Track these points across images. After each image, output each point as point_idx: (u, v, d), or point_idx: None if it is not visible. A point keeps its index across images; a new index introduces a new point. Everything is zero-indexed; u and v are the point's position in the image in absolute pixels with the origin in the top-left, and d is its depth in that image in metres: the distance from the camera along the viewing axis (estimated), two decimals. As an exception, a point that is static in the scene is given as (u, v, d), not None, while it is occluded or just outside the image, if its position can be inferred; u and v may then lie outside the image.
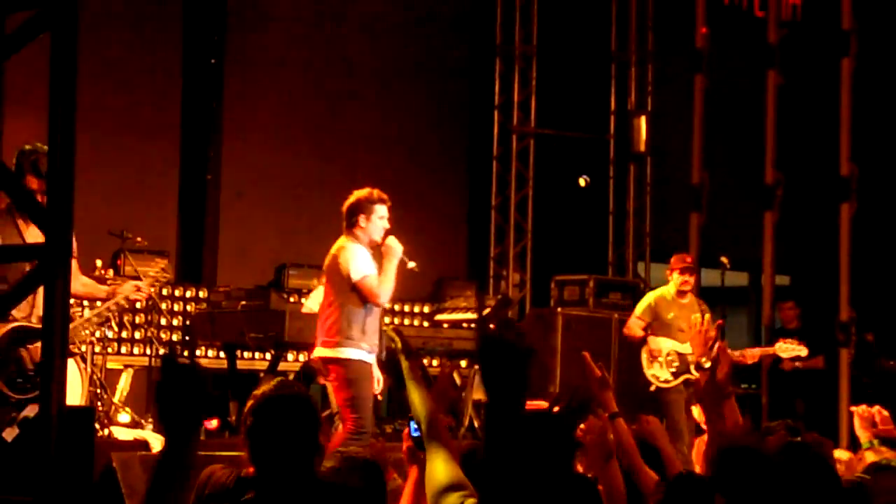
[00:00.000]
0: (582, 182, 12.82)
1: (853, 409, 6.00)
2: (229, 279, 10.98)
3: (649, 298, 10.07)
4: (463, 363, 10.80)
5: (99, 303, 7.59)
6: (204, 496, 3.65)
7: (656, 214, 13.51)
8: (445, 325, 10.95)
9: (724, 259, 10.67)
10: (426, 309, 11.63)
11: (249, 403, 3.72)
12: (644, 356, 9.95)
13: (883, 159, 13.14)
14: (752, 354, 10.03)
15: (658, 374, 9.84)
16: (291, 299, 10.59)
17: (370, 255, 7.65)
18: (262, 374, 9.46)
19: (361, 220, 7.64)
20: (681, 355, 9.73)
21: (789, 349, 10.05)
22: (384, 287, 7.59)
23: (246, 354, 10.34)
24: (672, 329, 9.84)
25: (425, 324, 11.33)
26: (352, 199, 7.70)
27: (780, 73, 12.33)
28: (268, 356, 9.78)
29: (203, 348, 10.48)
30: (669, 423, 9.12)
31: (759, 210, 12.60)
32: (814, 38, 12.91)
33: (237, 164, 12.08)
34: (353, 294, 7.57)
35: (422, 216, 13.16)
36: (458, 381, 10.73)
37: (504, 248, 13.30)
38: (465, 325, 11.01)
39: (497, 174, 13.33)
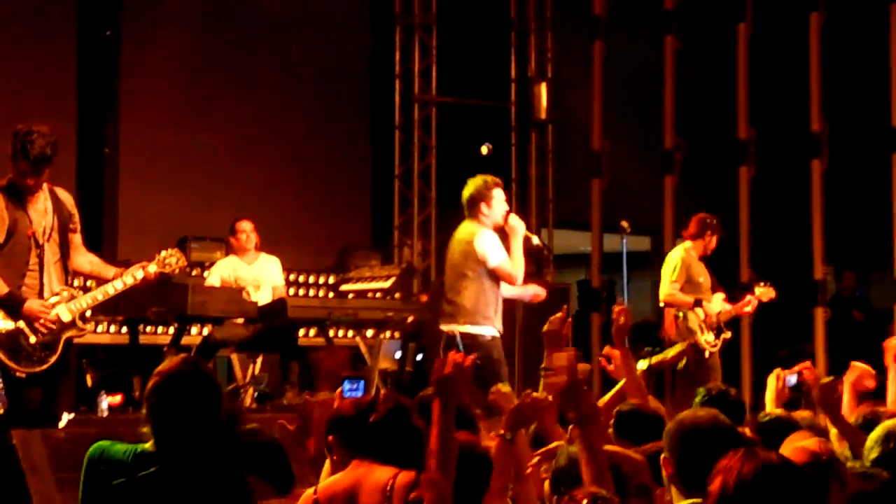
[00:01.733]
0: (484, 150, 12.83)
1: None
2: (130, 253, 10.85)
3: (678, 261, 10.10)
4: (369, 333, 10.80)
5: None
6: (99, 471, 3.62)
7: (559, 181, 13.58)
8: (351, 296, 10.94)
9: (624, 223, 10.76)
10: (331, 279, 11.60)
11: (152, 381, 3.70)
12: (695, 323, 9.99)
13: (780, 122, 13.33)
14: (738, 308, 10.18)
15: (709, 339, 9.96)
16: (194, 272, 10.50)
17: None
18: (165, 349, 9.38)
19: (483, 207, 8.15)
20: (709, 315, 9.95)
21: (766, 293, 10.23)
22: (518, 268, 8.17)
23: (148, 329, 10.26)
24: (702, 288, 9.94)
25: (330, 294, 11.31)
26: (469, 189, 8.25)
27: (677, 39, 12.45)
28: (171, 330, 9.70)
29: (105, 323, 10.36)
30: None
31: (659, 175, 12.73)
32: (711, 3, 13.00)
33: (135, 137, 11.92)
34: (489, 277, 8.09)
35: (325, 187, 13.14)
36: (364, 349, 10.76)
37: (408, 217, 13.31)
38: (370, 294, 11.01)
39: (400, 143, 13.32)
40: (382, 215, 13.41)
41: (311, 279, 11.61)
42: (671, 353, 9.35)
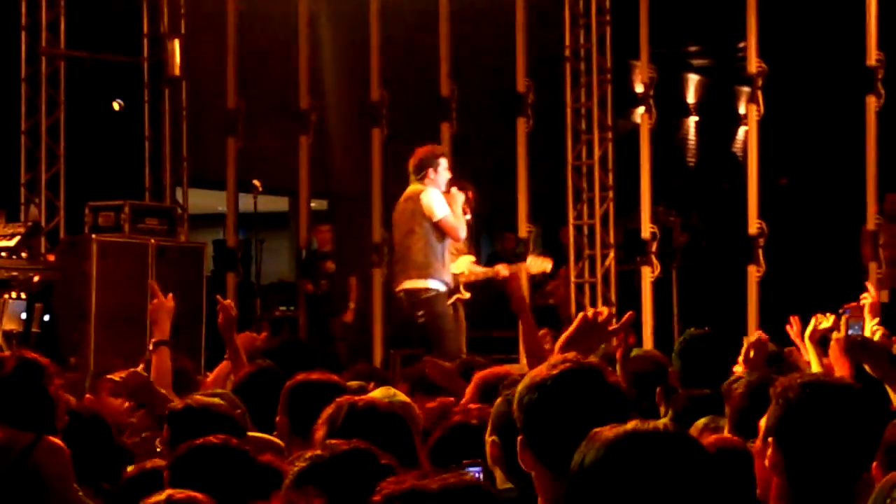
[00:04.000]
0: (116, 106, 12.55)
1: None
2: None
3: None
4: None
5: None
6: None
7: (193, 140, 13.42)
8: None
9: (256, 183, 10.79)
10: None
11: None
12: None
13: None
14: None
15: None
16: None
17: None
18: None
19: (430, 172, 9.06)
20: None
21: (538, 264, 10.32)
22: (461, 223, 9.06)
23: None
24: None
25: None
26: (418, 155, 9.13)
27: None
28: None
29: None
30: None
31: (295, 134, 12.81)
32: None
33: None
34: (435, 231, 8.92)
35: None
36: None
37: (36, 174, 12.82)
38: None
39: (26, 97, 12.80)
40: (8, 172, 12.87)
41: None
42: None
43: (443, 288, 9.09)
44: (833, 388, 3.07)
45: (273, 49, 13.49)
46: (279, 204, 15.59)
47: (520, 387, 2.93)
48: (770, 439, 3.02)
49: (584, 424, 2.44)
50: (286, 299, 13.69)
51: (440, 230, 9.04)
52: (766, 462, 3.00)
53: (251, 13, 12.88)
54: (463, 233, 9.16)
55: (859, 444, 3.01)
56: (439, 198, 9.03)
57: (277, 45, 13.52)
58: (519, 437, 2.89)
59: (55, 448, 3.88)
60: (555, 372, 2.90)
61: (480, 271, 10.33)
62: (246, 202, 12.66)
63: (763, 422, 3.08)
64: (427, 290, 9.04)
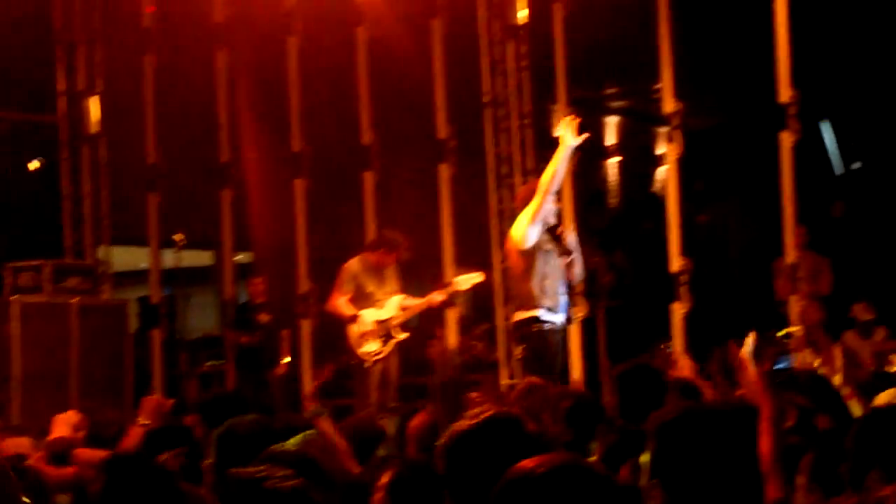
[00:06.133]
0: (33, 166, 12.43)
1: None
2: None
3: (342, 271, 10.29)
4: None
5: None
6: None
7: (114, 196, 13.31)
8: None
9: (177, 237, 10.72)
10: None
11: None
12: (353, 337, 10.14)
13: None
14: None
15: (369, 349, 10.03)
16: None
17: None
18: None
19: None
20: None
21: (468, 279, 10.33)
22: None
23: None
24: (373, 298, 10.10)
25: None
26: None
27: (228, 53, 12.57)
28: None
29: None
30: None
31: (216, 188, 12.76)
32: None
33: None
34: None
35: None
36: None
37: (-47, 235, 12.67)
38: None
39: (-58, 160, 12.66)
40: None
41: None
42: None
43: None
44: (696, 414, 3.03)
45: (192, 103, 13.44)
46: (203, 258, 15.48)
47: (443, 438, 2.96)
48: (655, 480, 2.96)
49: (500, 470, 2.47)
50: (214, 353, 13.57)
51: None
52: None
53: (169, 68, 12.83)
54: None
55: (732, 467, 2.94)
56: None
57: (197, 100, 13.46)
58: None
59: None
60: (474, 421, 2.94)
61: (416, 304, 10.39)
62: (170, 258, 12.57)
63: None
64: None
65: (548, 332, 8.35)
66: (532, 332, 8.30)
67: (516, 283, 8.63)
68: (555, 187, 8.23)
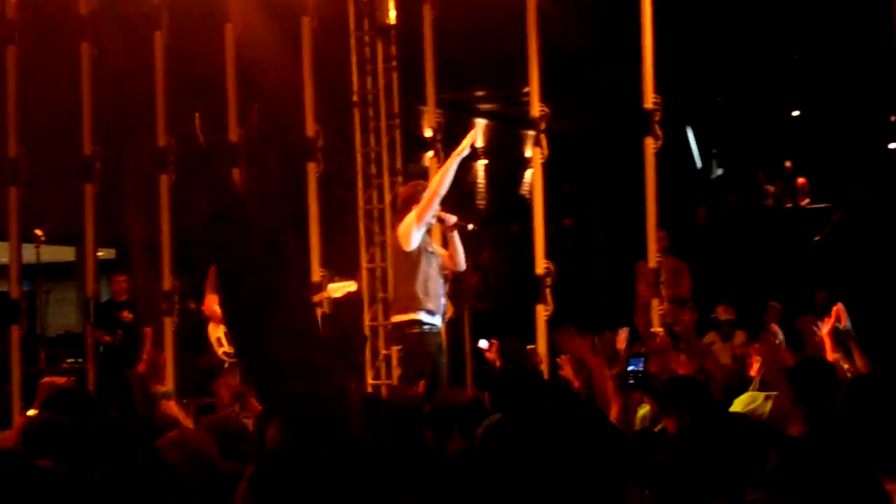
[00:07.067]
0: None
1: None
2: None
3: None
4: None
5: None
6: None
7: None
8: None
9: (38, 232, 10.53)
10: None
11: None
12: (213, 337, 10.04)
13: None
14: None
15: (228, 350, 9.83)
16: None
17: None
18: None
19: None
20: None
21: (341, 288, 10.21)
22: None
23: None
24: None
25: None
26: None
27: (93, 46, 12.38)
28: None
29: None
30: None
31: (79, 182, 12.54)
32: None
33: None
34: None
35: None
36: None
37: None
38: None
39: None
40: None
41: None
42: None
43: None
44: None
45: (55, 96, 13.18)
46: (65, 254, 15.23)
47: None
48: None
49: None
50: (74, 351, 13.36)
51: None
52: None
53: (31, 62, 12.58)
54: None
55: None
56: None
57: (60, 93, 13.21)
58: None
59: None
60: None
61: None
62: (31, 253, 12.34)
63: None
64: None
65: (427, 335, 8.41)
66: (411, 333, 8.35)
67: (398, 284, 8.67)
68: (443, 191, 8.38)
